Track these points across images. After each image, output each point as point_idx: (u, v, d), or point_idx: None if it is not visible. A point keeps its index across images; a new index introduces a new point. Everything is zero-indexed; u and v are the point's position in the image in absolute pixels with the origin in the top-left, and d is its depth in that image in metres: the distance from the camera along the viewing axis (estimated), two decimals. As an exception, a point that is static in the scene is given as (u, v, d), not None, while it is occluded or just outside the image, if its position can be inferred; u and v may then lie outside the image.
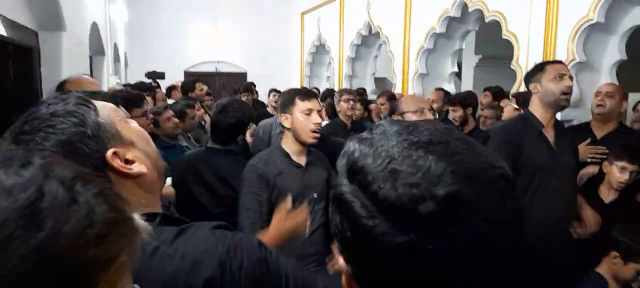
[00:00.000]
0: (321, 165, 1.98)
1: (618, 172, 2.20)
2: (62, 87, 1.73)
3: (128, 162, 0.80)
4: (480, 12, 4.36)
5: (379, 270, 0.46)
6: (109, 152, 0.78)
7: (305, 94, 1.89)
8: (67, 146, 0.74)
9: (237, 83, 7.42)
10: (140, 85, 4.45)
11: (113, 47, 5.32)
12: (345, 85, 6.99)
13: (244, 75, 9.26)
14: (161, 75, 5.15)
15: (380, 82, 7.91)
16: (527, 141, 2.15)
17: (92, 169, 0.68)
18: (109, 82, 4.51)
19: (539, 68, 2.23)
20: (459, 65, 6.26)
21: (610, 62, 3.48)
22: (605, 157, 2.36)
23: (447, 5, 4.72)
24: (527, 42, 3.78)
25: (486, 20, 4.31)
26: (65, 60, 2.34)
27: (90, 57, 3.67)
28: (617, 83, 3.22)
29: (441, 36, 5.05)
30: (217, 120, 2.08)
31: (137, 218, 0.45)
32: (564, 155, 2.18)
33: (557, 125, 2.23)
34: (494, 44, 4.26)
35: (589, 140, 2.59)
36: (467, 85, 6.58)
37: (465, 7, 4.56)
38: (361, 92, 5.30)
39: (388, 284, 0.46)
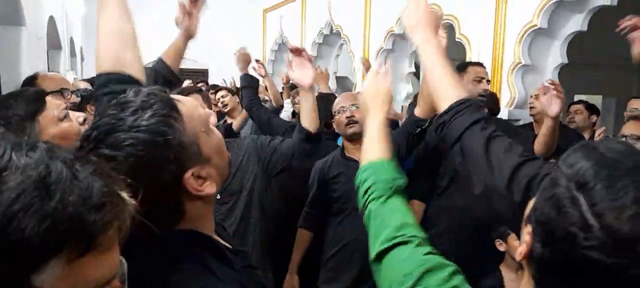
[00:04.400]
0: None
1: None
2: (32, 82, 1.74)
3: (200, 178, 0.76)
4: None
5: (570, 267, 0.55)
6: (188, 175, 0.73)
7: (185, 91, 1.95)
8: (145, 167, 0.68)
9: (198, 79, 7.38)
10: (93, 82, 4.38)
11: (70, 41, 5.20)
12: (307, 83, 7.09)
13: (205, 72, 9.18)
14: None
15: (341, 80, 8.05)
16: None
17: (166, 188, 0.70)
18: (66, 77, 4.38)
19: (462, 68, 2.39)
20: (418, 66, 6.49)
21: (553, 65, 3.74)
22: None
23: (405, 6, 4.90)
24: (478, 45, 4.00)
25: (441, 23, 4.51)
26: (24, 56, 2.32)
27: (47, 52, 3.60)
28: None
29: (399, 37, 5.24)
30: None
31: (125, 195, 0.54)
32: None
33: None
34: (449, 46, 4.47)
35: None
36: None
37: (421, 10, 4.75)
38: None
39: (573, 279, 0.55)
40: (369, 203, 0.91)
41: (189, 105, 0.77)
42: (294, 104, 3.95)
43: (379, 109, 1.08)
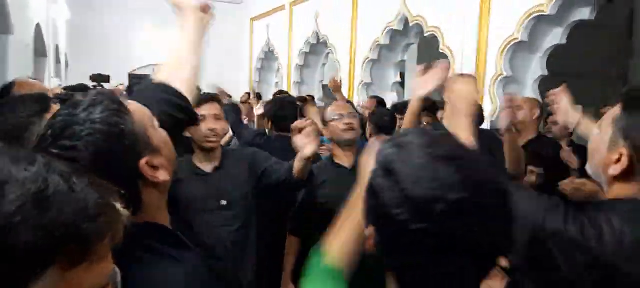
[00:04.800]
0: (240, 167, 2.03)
1: (530, 176, 2.48)
2: (10, 89, 1.73)
3: (154, 168, 0.82)
4: (420, 26, 4.65)
5: (397, 242, 0.64)
6: (143, 162, 0.80)
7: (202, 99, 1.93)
8: (105, 155, 0.74)
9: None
10: (81, 88, 4.36)
11: (55, 48, 5.17)
12: (293, 92, 7.13)
13: (191, 80, 9.17)
14: (106, 79, 5.06)
15: (327, 89, 8.11)
16: None
17: (125, 176, 0.75)
18: (51, 85, 4.38)
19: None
20: (403, 75, 6.59)
21: (533, 77, 3.85)
22: None
23: (390, 19, 4.99)
24: (461, 56, 4.09)
25: (425, 35, 4.61)
26: (11, 63, 2.32)
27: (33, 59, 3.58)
28: (537, 96, 3.59)
29: (385, 47, 5.32)
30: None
31: (119, 206, 0.57)
32: None
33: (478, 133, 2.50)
34: (434, 57, 4.58)
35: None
36: (410, 92, 6.91)
37: (407, 21, 4.85)
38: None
39: (401, 253, 0.65)
40: None
41: (134, 104, 0.86)
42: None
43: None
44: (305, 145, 1.78)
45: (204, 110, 1.88)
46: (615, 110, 1.01)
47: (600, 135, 1.03)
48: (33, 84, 1.92)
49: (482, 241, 0.61)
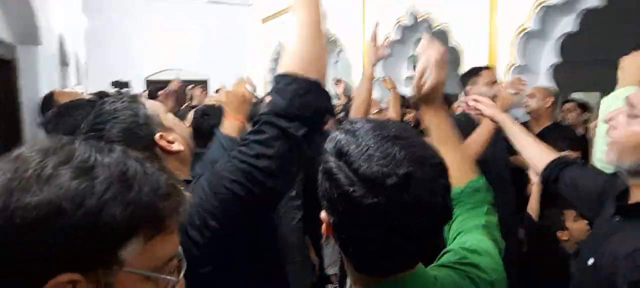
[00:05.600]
0: None
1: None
2: (51, 98, 1.89)
3: (170, 142, 1.08)
4: (429, 21, 4.69)
5: (352, 220, 0.70)
6: (157, 135, 1.07)
7: None
8: (127, 132, 1.02)
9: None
10: (101, 95, 4.51)
11: (75, 57, 5.34)
12: (307, 90, 7.21)
13: (205, 83, 9.31)
14: (126, 84, 5.22)
15: (343, 85, 8.17)
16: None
17: (144, 148, 0.99)
18: (76, 91, 4.51)
19: (475, 72, 2.52)
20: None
21: (546, 65, 3.86)
22: None
23: (400, 14, 5.03)
24: (472, 49, 4.12)
25: (435, 29, 4.65)
26: (41, 73, 2.44)
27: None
28: (553, 84, 3.61)
29: (397, 42, 5.36)
30: (199, 124, 2.15)
31: (184, 191, 0.66)
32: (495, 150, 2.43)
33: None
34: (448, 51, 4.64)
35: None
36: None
37: (416, 17, 4.89)
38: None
39: (356, 230, 0.69)
40: None
41: (148, 101, 1.15)
42: None
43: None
44: None
45: None
46: None
47: None
48: (70, 93, 2.06)
49: (424, 216, 0.67)
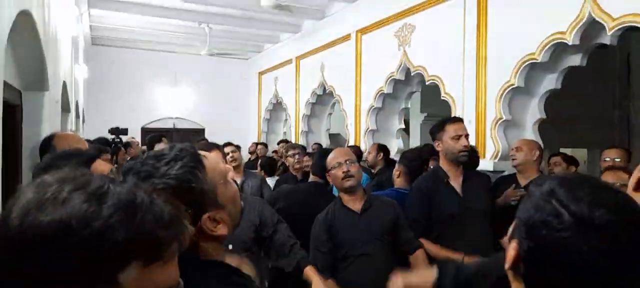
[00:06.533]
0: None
1: None
2: (50, 141, 1.94)
3: (215, 221, 0.93)
4: (421, 75, 4.88)
5: (548, 253, 0.72)
6: (205, 217, 0.91)
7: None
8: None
9: (195, 137, 7.65)
10: (101, 141, 4.60)
11: (75, 104, 5.45)
12: (301, 140, 7.34)
13: (201, 131, 9.43)
14: (124, 132, 5.29)
15: (334, 137, 8.33)
16: (436, 192, 2.47)
17: (191, 222, 0.85)
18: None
19: (440, 126, 2.53)
20: (407, 122, 6.79)
21: (532, 120, 4.00)
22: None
23: (393, 69, 5.23)
24: (462, 102, 4.27)
25: (427, 83, 4.83)
26: (45, 119, 2.53)
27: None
28: (537, 139, 3.73)
29: (389, 96, 5.55)
30: (321, 163, 2.60)
31: (186, 223, 0.72)
32: (472, 201, 2.47)
33: (466, 174, 2.54)
34: (436, 104, 4.79)
35: (513, 185, 2.99)
36: (415, 138, 7.09)
37: (408, 71, 5.08)
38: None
39: (550, 263, 0.73)
40: None
41: (211, 160, 0.96)
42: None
43: None
44: None
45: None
46: None
47: None
48: (68, 136, 2.13)
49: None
